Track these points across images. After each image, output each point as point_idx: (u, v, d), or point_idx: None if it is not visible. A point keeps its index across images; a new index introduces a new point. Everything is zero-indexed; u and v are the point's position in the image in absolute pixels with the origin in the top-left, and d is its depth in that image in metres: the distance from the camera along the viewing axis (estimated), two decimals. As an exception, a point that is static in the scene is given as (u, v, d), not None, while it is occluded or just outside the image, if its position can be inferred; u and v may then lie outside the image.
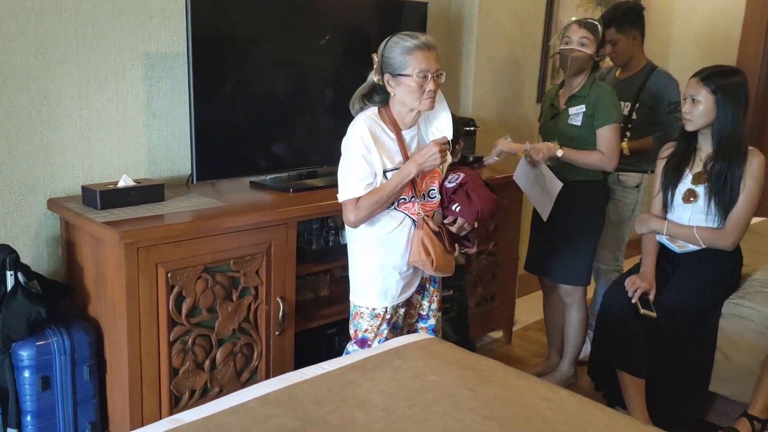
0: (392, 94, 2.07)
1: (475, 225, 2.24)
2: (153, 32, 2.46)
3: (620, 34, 3.02)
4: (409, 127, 2.13)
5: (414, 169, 2.05)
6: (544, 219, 2.75)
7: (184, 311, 2.16)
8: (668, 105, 2.98)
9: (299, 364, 2.54)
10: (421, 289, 2.28)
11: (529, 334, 3.61)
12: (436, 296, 2.31)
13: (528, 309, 3.78)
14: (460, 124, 2.52)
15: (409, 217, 2.13)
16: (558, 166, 2.67)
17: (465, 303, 2.67)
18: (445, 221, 2.20)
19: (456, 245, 2.25)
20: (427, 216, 2.14)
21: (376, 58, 2.07)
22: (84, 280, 2.25)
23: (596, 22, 2.65)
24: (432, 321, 2.32)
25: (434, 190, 2.17)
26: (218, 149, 2.45)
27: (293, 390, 1.69)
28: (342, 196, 2.08)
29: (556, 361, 3.10)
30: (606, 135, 2.62)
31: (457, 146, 2.50)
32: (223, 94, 2.43)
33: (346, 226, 2.17)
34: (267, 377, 2.35)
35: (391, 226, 2.11)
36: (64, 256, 2.34)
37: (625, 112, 2.99)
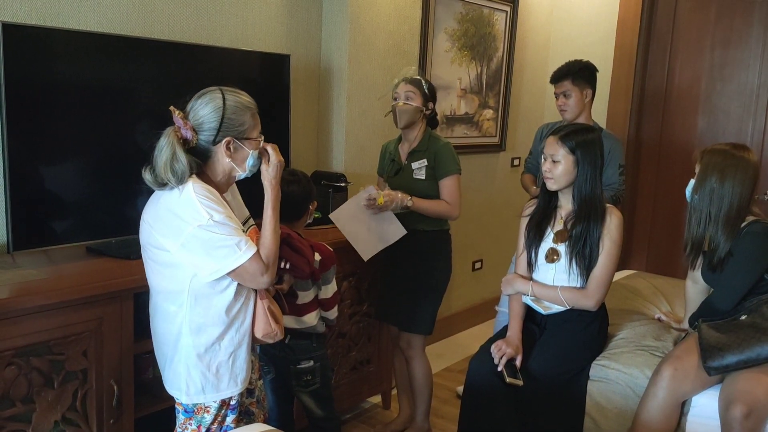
0: (217, 159, 1.83)
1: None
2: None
3: (575, 87, 3.07)
4: (224, 192, 1.91)
5: (272, 188, 1.88)
6: (365, 260, 2.74)
7: (-11, 405, 1.86)
8: (619, 167, 3.04)
9: (142, 452, 2.28)
10: None
11: (408, 398, 3.44)
12: (255, 365, 2.13)
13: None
14: (309, 182, 2.40)
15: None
16: (406, 216, 2.71)
17: (328, 374, 2.47)
18: None
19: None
20: None
21: (179, 115, 1.78)
22: None
23: (420, 78, 2.77)
24: (257, 392, 2.13)
25: None
26: (40, 213, 2.19)
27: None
28: (237, 261, 1.75)
29: (406, 417, 3.10)
30: (448, 185, 2.74)
31: (311, 206, 2.37)
32: (45, 151, 2.19)
33: (156, 308, 1.89)
34: (101, 472, 2.07)
35: (238, 300, 1.86)
36: None
37: None
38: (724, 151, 2.31)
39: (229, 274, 1.78)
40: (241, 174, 1.87)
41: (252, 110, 1.84)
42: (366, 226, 2.73)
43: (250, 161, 1.85)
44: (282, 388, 2.49)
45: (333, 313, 2.46)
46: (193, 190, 1.75)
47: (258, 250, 1.80)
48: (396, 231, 2.70)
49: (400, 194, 2.67)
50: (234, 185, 1.99)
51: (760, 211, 2.36)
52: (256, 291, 1.93)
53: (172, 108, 1.79)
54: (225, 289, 1.83)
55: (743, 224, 2.28)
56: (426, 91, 2.75)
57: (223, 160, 1.83)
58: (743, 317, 2.24)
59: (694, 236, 2.35)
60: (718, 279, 2.33)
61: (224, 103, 1.79)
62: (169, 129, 1.78)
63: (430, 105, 2.79)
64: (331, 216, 2.75)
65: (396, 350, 3.07)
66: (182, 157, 1.74)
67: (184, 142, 1.77)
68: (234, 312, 1.87)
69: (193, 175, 1.79)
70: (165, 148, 1.74)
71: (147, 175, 1.78)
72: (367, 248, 2.73)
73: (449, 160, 2.73)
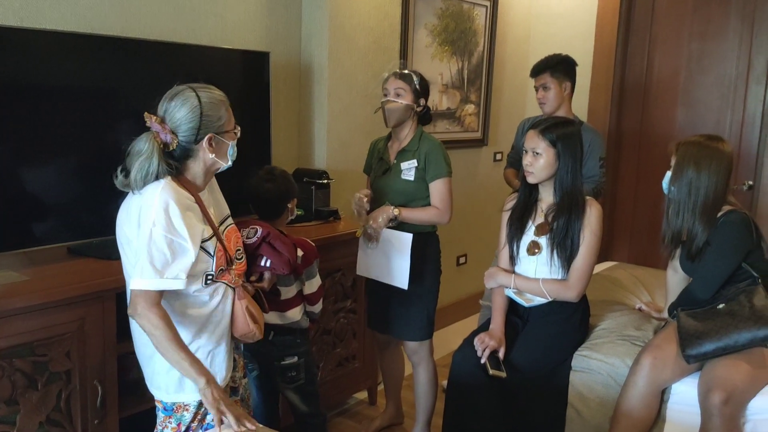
0: (198, 156, 1.83)
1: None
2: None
3: (553, 80, 3.09)
4: (202, 189, 1.90)
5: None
6: (405, 287, 2.62)
7: (-28, 407, 1.86)
8: (599, 160, 3.05)
9: (127, 452, 2.28)
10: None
11: (395, 392, 3.46)
12: (239, 363, 2.13)
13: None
14: (286, 180, 2.39)
15: (229, 286, 1.92)
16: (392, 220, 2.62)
17: (313, 370, 2.48)
18: (251, 279, 2.05)
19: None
20: (240, 279, 1.97)
21: (156, 120, 1.76)
22: None
23: (412, 73, 2.63)
24: (241, 390, 2.13)
25: (240, 250, 1.99)
26: (21, 214, 2.18)
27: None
28: (135, 283, 1.72)
29: (392, 413, 3.11)
30: (438, 189, 2.61)
31: (289, 204, 2.37)
32: (25, 152, 2.18)
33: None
34: (86, 472, 2.06)
35: (214, 301, 1.87)
36: None
37: None
38: (698, 143, 2.35)
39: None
40: (223, 165, 1.88)
41: (225, 103, 1.86)
42: (382, 258, 2.66)
43: (230, 151, 1.88)
44: (267, 385, 2.49)
45: (318, 307, 2.47)
46: (159, 196, 1.73)
47: (159, 291, 1.73)
48: (402, 240, 2.59)
49: (382, 208, 2.58)
50: (214, 182, 2.00)
51: (736, 201, 2.40)
52: (233, 290, 1.93)
53: (146, 114, 1.77)
54: (197, 290, 1.84)
55: (720, 214, 2.32)
56: (417, 86, 2.60)
57: (205, 156, 1.83)
58: (721, 306, 2.27)
59: (673, 227, 2.38)
60: (696, 268, 2.36)
61: (200, 102, 1.78)
62: (149, 134, 1.76)
63: (422, 101, 2.64)
64: (359, 273, 2.82)
65: (383, 354, 3.03)
66: (155, 167, 1.74)
67: (164, 146, 1.77)
68: (209, 311, 1.87)
69: (169, 178, 1.78)
70: (145, 154, 1.74)
71: (119, 179, 1.78)
72: (400, 275, 2.62)
73: (440, 162, 2.59)
